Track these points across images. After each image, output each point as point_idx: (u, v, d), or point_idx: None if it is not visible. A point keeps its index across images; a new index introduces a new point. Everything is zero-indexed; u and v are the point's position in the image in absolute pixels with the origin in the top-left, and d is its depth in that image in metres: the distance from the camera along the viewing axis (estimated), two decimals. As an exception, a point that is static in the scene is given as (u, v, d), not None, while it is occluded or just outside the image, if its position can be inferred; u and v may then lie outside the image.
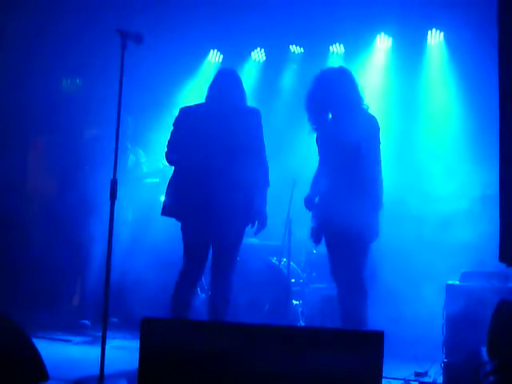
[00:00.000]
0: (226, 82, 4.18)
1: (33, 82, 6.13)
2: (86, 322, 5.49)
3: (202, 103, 4.19)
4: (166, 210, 4.07)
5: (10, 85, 6.08)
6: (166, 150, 4.14)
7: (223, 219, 3.98)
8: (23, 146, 6.68)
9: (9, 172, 6.13)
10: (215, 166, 3.95)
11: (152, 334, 2.29)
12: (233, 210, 3.99)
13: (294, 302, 5.27)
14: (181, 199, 4.02)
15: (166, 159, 4.15)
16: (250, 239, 5.84)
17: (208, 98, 4.19)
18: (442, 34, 6.04)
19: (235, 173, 3.97)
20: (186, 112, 4.18)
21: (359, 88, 4.08)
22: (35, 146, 6.87)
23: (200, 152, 3.98)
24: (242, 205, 4.03)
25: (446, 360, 3.90)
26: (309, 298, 5.32)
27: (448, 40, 6.01)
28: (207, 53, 6.79)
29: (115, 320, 5.55)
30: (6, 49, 5.94)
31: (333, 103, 4.03)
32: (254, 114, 4.15)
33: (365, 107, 4.06)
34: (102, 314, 3.40)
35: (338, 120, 4.04)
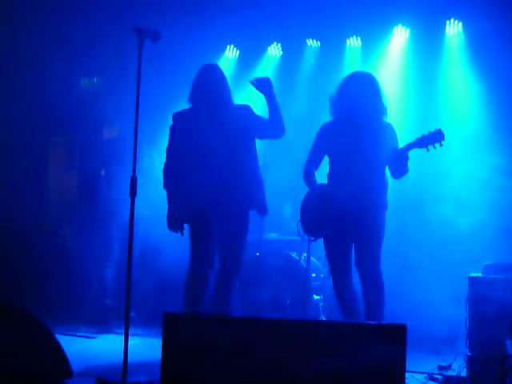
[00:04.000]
0: (214, 81, 4.14)
1: (53, 81, 6.17)
2: (133, 314, 5.42)
3: (194, 106, 4.14)
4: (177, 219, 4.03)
5: (30, 85, 6.13)
6: (165, 160, 4.12)
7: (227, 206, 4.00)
8: (44, 146, 6.73)
9: (30, 171, 6.19)
10: (220, 168, 3.98)
11: (175, 329, 2.30)
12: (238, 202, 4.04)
13: (315, 296, 5.26)
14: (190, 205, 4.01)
15: (167, 172, 4.10)
16: (270, 234, 5.85)
17: (198, 98, 4.12)
18: (460, 23, 5.96)
19: (238, 171, 4.03)
20: (181, 117, 4.14)
21: (384, 98, 4.10)
22: (56, 145, 6.92)
23: (204, 158, 3.99)
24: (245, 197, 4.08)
25: (469, 353, 3.86)
26: (329, 292, 5.29)
27: (467, 30, 5.93)
28: (224, 49, 6.79)
29: (133, 314, 5.51)
30: (26, 48, 5.99)
31: (360, 109, 4.04)
32: (247, 109, 4.20)
33: (385, 119, 4.10)
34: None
35: (361, 130, 4.05)
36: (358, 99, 4.03)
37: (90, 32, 6.03)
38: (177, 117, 4.15)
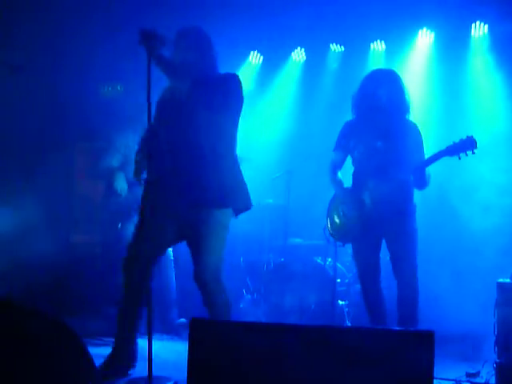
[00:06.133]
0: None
1: (77, 87, 6.23)
2: (183, 320, 5.27)
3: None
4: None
5: (53, 90, 6.19)
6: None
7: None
8: (70, 152, 6.80)
9: (56, 177, 6.24)
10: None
11: (201, 335, 2.30)
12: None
13: (340, 302, 5.23)
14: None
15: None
16: (295, 239, 5.84)
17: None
18: (486, 26, 5.90)
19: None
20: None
21: (407, 95, 4.05)
22: (81, 151, 6.98)
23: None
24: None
25: (498, 360, 3.80)
26: (354, 298, 5.27)
27: (493, 32, 5.87)
28: (248, 54, 6.81)
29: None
30: (49, 54, 6.05)
31: (383, 106, 3.99)
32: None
33: (408, 117, 4.05)
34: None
35: (384, 128, 3.99)
36: (380, 96, 3.97)
37: (109, 38, 6.08)
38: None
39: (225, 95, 3.44)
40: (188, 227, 3.46)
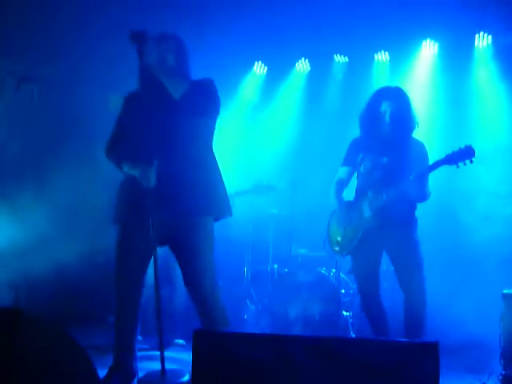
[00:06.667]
0: None
1: (86, 94, 6.25)
2: (182, 341, 5.10)
3: None
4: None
5: (65, 97, 6.22)
6: None
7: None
8: (79, 159, 6.80)
9: (67, 186, 6.25)
10: None
11: (205, 347, 2.29)
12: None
13: (344, 313, 5.21)
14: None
15: None
16: (299, 250, 5.83)
17: None
18: (490, 37, 5.92)
19: None
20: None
21: (414, 113, 4.06)
22: (90, 158, 6.99)
23: None
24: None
25: (504, 372, 3.78)
26: (359, 309, 5.25)
27: (496, 43, 5.88)
28: (252, 65, 6.84)
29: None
30: (64, 62, 6.08)
31: (389, 125, 4.00)
32: None
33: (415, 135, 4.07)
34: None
35: (390, 147, 4.01)
36: (387, 114, 4.00)
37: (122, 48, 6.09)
38: None
39: (213, 101, 3.41)
40: (177, 235, 3.30)
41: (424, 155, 4.02)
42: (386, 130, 4.00)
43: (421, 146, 4.06)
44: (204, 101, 3.36)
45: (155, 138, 3.24)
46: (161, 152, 3.26)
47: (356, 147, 4.18)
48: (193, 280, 3.30)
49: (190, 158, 3.31)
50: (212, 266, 3.32)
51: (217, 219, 3.43)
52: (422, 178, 3.85)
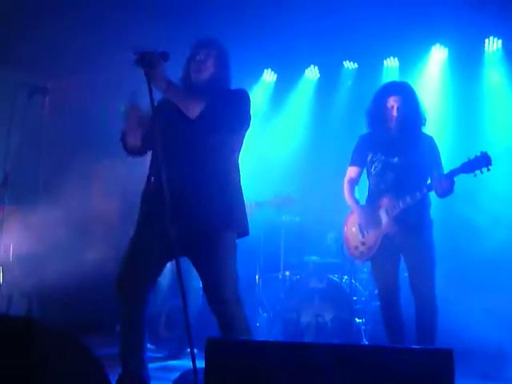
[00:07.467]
0: None
1: (98, 105, 6.28)
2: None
3: None
4: None
5: (76, 108, 6.26)
6: None
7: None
8: (91, 170, 6.84)
9: (79, 195, 6.27)
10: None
11: (217, 355, 2.29)
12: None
13: (357, 320, 5.18)
14: None
15: None
16: (310, 257, 5.82)
17: None
18: (500, 41, 5.90)
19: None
20: None
21: (422, 107, 4.01)
22: (98, 171, 7.03)
23: None
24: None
25: (519, 379, 3.75)
26: (371, 316, 5.22)
27: (507, 48, 5.86)
28: (261, 72, 6.85)
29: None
30: (76, 73, 6.12)
31: (397, 120, 3.96)
32: None
33: (424, 129, 4.03)
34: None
35: (399, 142, 3.96)
36: (394, 109, 3.94)
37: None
38: None
39: (238, 114, 3.28)
40: (198, 247, 3.20)
41: (435, 150, 3.97)
42: (393, 125, 3.94)
43: (430, 140, 4.00)
44: (222, 116, 3.20)
45: (171, 152, 3.15)
46: (180, 167, 3.19)
47: (364, 145, 4.12)
48: (214, 290, 3.21)
49: (210, 174, 3.22)
50: (234, 277, 3.26)
51: (240, 235, 3.34)
52: (442, 186, 3.77)
